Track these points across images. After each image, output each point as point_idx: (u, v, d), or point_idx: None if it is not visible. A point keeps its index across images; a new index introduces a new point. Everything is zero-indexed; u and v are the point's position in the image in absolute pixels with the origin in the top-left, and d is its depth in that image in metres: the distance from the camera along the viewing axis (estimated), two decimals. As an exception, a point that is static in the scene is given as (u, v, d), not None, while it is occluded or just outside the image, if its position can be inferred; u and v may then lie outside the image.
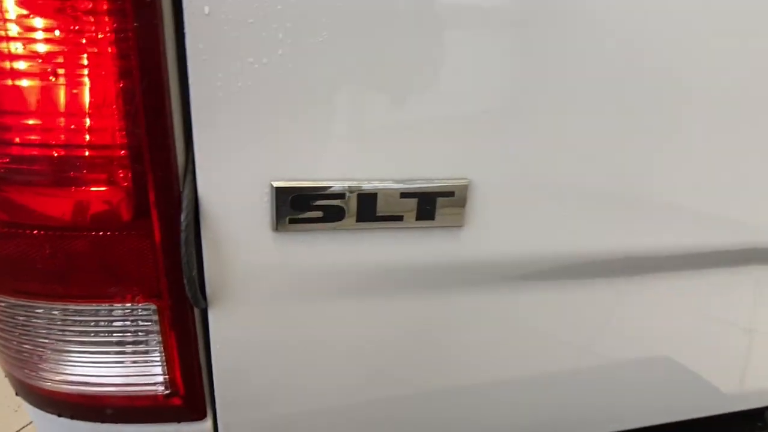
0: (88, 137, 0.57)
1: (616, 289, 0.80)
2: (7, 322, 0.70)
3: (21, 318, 0.69)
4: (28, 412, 0.78)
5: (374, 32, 0.57)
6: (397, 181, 0.63)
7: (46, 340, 0.70)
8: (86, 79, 0.55)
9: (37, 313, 0.68)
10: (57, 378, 0.71)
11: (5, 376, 0.78)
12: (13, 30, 0.53)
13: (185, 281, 0.62)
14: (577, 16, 0.61)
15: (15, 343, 0.71)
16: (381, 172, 0.63)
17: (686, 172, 0.72)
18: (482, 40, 0.60)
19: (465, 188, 0.65)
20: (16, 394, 0.78)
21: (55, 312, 0.67)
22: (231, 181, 0.60)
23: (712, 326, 0.96)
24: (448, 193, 0.65)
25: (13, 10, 0.52)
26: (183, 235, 0.60)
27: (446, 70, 0.60)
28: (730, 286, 0.93)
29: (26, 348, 0.71)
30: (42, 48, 0.53)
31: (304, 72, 0.57)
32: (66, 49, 0.54)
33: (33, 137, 0.57)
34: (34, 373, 0.72)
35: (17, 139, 0.57)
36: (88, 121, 0.56)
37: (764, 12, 0.66)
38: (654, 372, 0.95)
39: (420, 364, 0.77)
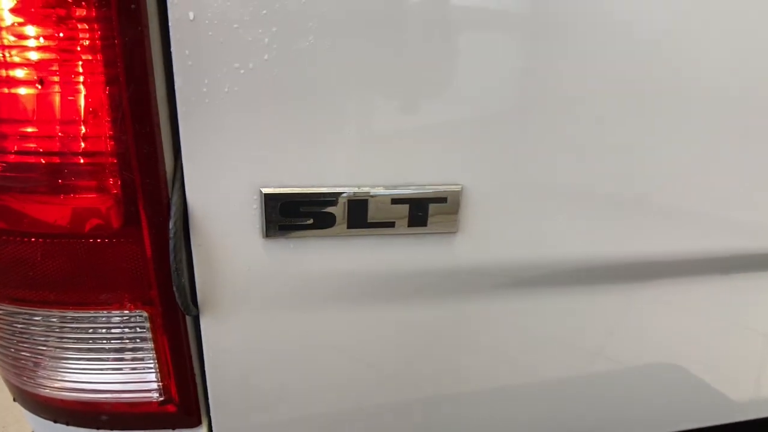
0: (75, 145, 0.57)
1: (616, 295, 0.78)
2: (5, 329, 0.70)
3: (18, 326, 0.69)
4: (27, 417, 0.79)
5: (363, 37, 0.56)
6: (389, 187, 0.62)
7: (42, 347, 0.70)
8: (72, 87, 0.55)
9: (34, 320, 0.68)
10: (52, 385, 0.71)
11: (4, 382, 0.78)
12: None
13: (175, 289, 0.61)
14: (570, 19, 0.60)
15: (13, 350, 0.71)
16: (372, 178, 0.62)
17: (681, 175, 0.70)
18: (474, 45, 0.59)
19: (458, 194, 0.64)
20: (14, 400, 0.78)
21: (52, 319, 0.67)
22: (220, 188, 0.60)
23: (724, 333, 0.93)
24: (440, 199, 0.63)
25: (-2, 19, 0.52)
26: (171, 243, 0.59)
27: (437, 76, 0.59)
28: (742, 292, 0.91)
29: (22, 355, 0.71)
30: (26, 56, 0.53)
31: (291, 77, 0.56)
32: (51, 57, 0.54)
33: (22, 145, 0.57)
34: (30, 380, 0.72)
35: (11, 148, 0.57)
36: (74, 129, 0.56)
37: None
38: (664, 379, 0.93)
39: (414, 370, 0.76)
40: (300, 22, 0.54)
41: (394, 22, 0.56)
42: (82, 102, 0.55)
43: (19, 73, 0.54)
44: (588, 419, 0.91)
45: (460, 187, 0.64)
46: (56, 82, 0.55)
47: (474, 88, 0.60)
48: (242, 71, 0.55)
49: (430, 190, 0.63)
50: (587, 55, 0.62)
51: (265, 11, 0.54)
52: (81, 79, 0.55)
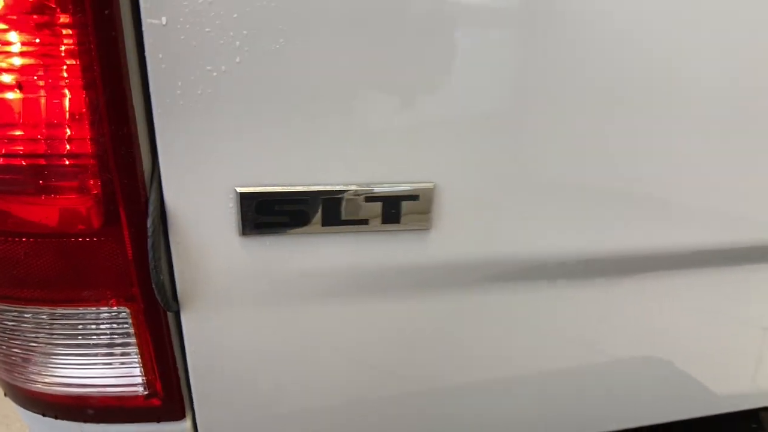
0: (55, 148, 0.58)
1: (592, 289, 0.80)
2: (-6, 326, 0.72)
3: (7, 323, 0.71)
4: (17, 410, 0.81)
5: (333, 38, 0.57)
6: (362, 186, 0.63)
7: (31, 344, 0.72)
8: (50, 91, 0.56)
9: (23, 318, 0.70)
10: (41, 380, 0.73)
11: None
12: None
13: (154, 285, 0.63)
14: (541, 16, 0.61)
15: (4, 347, 0.73)
16: (345, 176, 0.63)
17: (658, 168, 0.71)
18: (443, 44, 0.60)
19: (430, 192, 0.65)
20: (5, 395, 0.80)
21: (41, 317, 0.69)
22: (196, 187, 0.61)
23: (706, 327, 0.95)
24: (412, 197, 0.65)
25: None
26: (150, 241, 0.61)
27: (409, 75, 0.61)
28: (721, 286, 0.92)
29: (12, 351, 0.73)
30: (3, 61, 0.55)
31: (262, 79, 0.58)
32: (29, 62, 0.55)
33: (5, 148, 0.58)
34: (19, 376, 0.74)
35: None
36: (54, 132, 0.58)
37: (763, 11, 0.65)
38: (646, 373, 0.94)
39: (391, 364, 0.77)
40: (270, 25, 0.56)
41: (363, 22, 0.58)
42: (61, 106, 0.57)
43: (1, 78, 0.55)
44: (569, 412, 0.92)
45: (432, 185, 0.65)
46: (35, 87, 0.56)
47: (445, 87, 0.62)
48: (215, 74, 0.57)
49: (403, 188, 0.64)
50: (555, 53, 0.63)
51: (236, 15, 0.55)
52: (59, 83, 0.56)
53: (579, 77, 0.64)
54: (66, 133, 0.58)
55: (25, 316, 0.70)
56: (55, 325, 0.70)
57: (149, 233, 0.61)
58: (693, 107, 0.69)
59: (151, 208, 0.61)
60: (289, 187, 0.62)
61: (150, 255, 0.62)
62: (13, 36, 0.54)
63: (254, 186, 0.62)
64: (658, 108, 0.68)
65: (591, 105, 0.66)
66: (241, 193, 0.61)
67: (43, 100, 0.57)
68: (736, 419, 1.07)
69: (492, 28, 0.61)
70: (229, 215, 0.63)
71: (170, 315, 0.69)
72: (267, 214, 0.62)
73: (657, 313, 0.89)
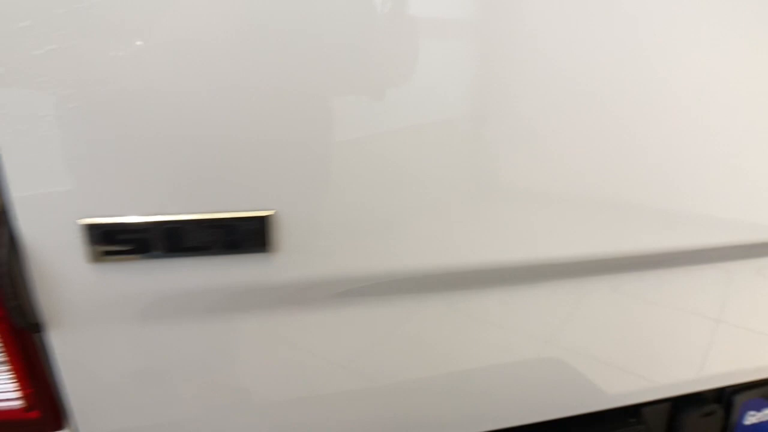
0: None
1: (448, 300, 0.86)
2: None
3: None
4: None
5: (162, 69, 0.63)
6: (201, 214, 0.69)
7: None
8: None
9: None
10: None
11: None
12: None
13: (9, 310, 0.69)
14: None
15: None
16: (185, 205, 0.69)
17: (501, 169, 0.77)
18: (283, 67, 0.65)
19: (269, 219, 0.71)
20: None
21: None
22: (46, 220, 0.67)
23: (587, 326, 1.00)
24: (252, 224, 0.70)
25: None
26: (2, 269, 0.67)
27: (247, 102, 0.66)
28: (605, 290, 0.98)
29: None
30: None
31: (95, 118, 0.63)
32: None
33: None
34: None
35: None
36: None
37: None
38: (528, 372, 1.00)
39: (247, 377, 0.83)
40: (95, 74, 0.61)
41: (190, 53, 0.63)
42: None
43: None
44: (441, 418, 0.97)
45: (273, 211, 0.71)
46: None
47: (283, 112, 0.67)
48: (49, 119, 0.62)
49: (242, 215, 0.70)
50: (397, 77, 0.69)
51: (69, 65, 0.61)
52: None
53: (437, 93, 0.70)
54: None
55: None
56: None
57: (1, 263, 0.66)
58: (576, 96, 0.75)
59: (3, 240, 0.66)
60: (130, 218, 0.68)
61: (5, 282, 0.67)
62: None
63: (98, 217, 0.67)
64: (536, 104, 0.74)
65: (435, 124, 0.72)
66: (85, 224, 0.67)
67: None
68: (616, 414, 1.12)
69: (338, 44, 0.66)
70: (77, 245, 0.68)
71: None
72: (111, 243, 0.68)
73: (538, 315, 0.94)
